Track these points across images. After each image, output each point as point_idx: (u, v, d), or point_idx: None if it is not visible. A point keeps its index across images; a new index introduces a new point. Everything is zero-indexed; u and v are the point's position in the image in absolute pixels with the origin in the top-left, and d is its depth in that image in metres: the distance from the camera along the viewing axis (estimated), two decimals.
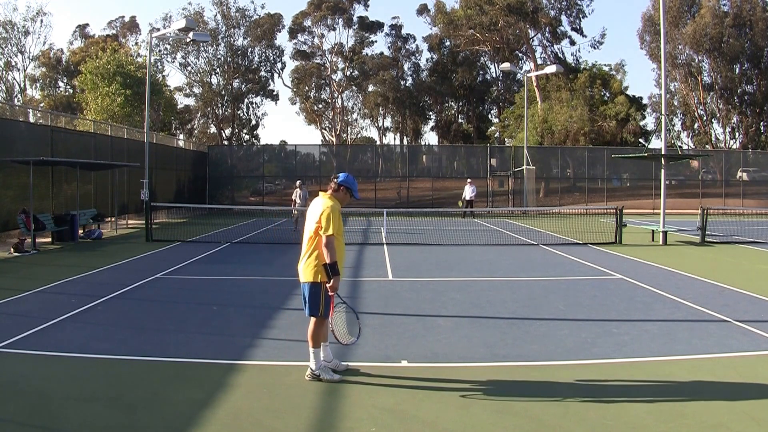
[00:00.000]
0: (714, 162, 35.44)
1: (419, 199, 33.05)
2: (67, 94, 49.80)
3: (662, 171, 17.21)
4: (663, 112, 17.49)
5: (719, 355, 5.93)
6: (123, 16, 55.57)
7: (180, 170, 28.83)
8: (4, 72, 47.72)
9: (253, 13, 47.86)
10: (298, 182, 20.34)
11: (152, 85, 23.48)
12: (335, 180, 5.34)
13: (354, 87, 52.57)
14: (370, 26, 52.09)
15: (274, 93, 51.79)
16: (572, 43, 44.05)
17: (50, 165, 15.87)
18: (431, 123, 56.47)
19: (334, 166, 33.19)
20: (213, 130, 49.87)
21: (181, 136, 47.83)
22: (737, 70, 41.80)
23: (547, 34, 43.40)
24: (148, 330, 6.96)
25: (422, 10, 53.01)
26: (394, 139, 60.41)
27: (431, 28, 52.08)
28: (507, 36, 43.36)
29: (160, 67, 44.03)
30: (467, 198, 26.68)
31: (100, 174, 19.47)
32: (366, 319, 5.51)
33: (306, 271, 5.17)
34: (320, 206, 5.16)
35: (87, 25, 63.77)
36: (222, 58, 47.09)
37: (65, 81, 51.88)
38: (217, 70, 47.28)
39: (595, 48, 50.35)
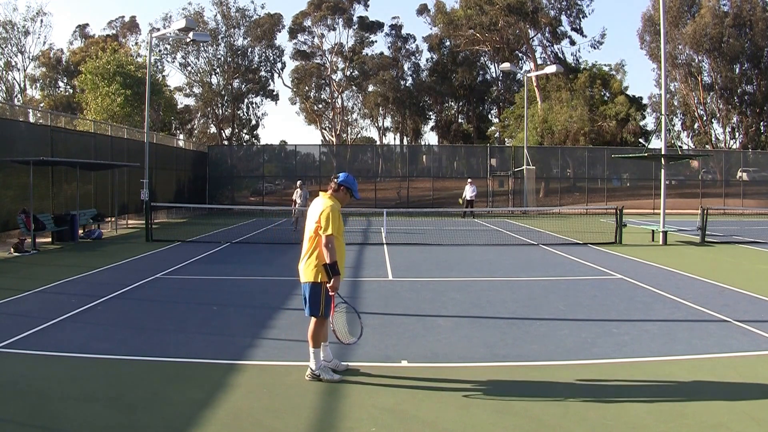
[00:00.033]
0: (714, 162, 35.44)
1: (419, 199, 33.05)
2: (67, 94, 49.80)
3: (662, 171, 17.21)
4: (663, 112, 17.49)
5: (719, 355, 5.93)
6: (123, 16, 55.65)
7: (180, 170, 28.83)
8: (4, 72, 47.75)
9: (253, 13, 47.95)
10: (298, 182, 20.35)
11: (152, 85, 23.49)
12: (335, 180, 5.34)
13: (354, 87, 52.58)
14: (370, 26, 52.09)
15: (274, 93, 51.89)
16: (572, 43, 44.13)
17: (50, 165, 15.87)
18: (431, 123, 56.58)
19: (334, 166, 33.18)
20: (213, 130, 49.89)
21: (181, 136, 47.87)
22: (737, 70, 41.80)
23: (547, 34, 43.43)
24: (148, 330, 6.96)
25: (422, 10, 53.09)
26: (394, 139, 60.50)
27: (431, 28, 52.17)
28: (507, 36, 43.37)
29: (160, 67, 44.05)
30: (467, 198, 26.69)
31: (100, 174, 19.47)
32: (366, 319, 5.51)
33: (306, 271, 5.17)
34: (320, 206, 5.16)
35: (87, 25, 63.83)
36: (222, 58, 47.12)
37: (65, 81, 51.88)
38: (217, 70, 47.30)
39: (595, 48, 50.42)
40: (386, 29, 52.89)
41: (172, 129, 45.79)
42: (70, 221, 16.04)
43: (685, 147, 42.63)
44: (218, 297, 8.82)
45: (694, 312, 7.86)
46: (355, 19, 51.21)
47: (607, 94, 40.68)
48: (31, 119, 22.86)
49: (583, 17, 43.17)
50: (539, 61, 43.26)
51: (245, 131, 51.27)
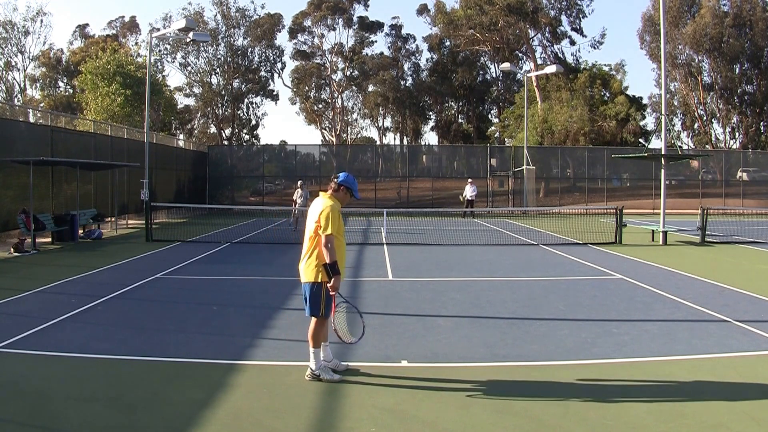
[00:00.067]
0: (714, 162, 35.44)
1: (419, 199, 33.05)
2: (67, 94, 49.80)
3: (662, 171, 17.21)
4: (663, 112, 17.49)
5: (719, 355, 5.93)
6: (123, 16, 55.65)
7: (180, 170, 28.83)
8: (4, 72, 47.75)
9: (253, 13, 47.94)
10: (299, 182, 20.35)
11: (152, 85, 23.49)
12: (335, 180, 5.34)
13: (354, 87, 52.59)
14: (370, 26, 52.09)
15: (274, 93, 51.90)
16: (572, 43, 44.13)
17: (50, 165, 15.87)
18: (431, 123, 56.58)
19: (334, 166, 33.18)
20: (213, 130, 49.89)
21: (181, 136, 47.87)
22: (737, 70, 41.80)
23: (547, 34, 43.44)
24: (148, 330, 6.96)
25: (422, 10, 53.09)
26: (394, 139, 60.50)
27: (431, 28, 52.17)
28: (507, 36, 43.37)
29: (160, 67, 44.05)
30: (468, 197, 26.70)
31: (100, 174, 19.47)
32: (366, 319, 5.51)
33: (307, 271, 5.17)
34: (320, 206, 5.17)
35: (87, 25, 63.82)
36: (222, 58, 47.11)
37: (65, 81, 51.89)
38: (217, 70, 47.30)
39: (595, 48, 50.41)
40: (386, 29, 52.98)
41: (172, 129, 45.80)
42: (70, 221, 16.04)
43: (685, 147, 42.66)
44: (218, 297, 8.82)
45: (694, 312, 7.86)
46: (355, 19, 51.25)
47: (607, 94, 40.68)
48: (31, 119, 22.87)
49: (583, 17, 43.24)
50: (539, 61, 43.28)
51: (245, 131, 51.28)
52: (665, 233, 16.15)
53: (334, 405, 4.65)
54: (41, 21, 49.24)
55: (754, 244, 16.20)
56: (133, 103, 29.04)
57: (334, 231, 5.01)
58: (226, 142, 47.06)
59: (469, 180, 27.63)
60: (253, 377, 5.22)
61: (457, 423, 4.29)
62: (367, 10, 54.33)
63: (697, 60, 42.09)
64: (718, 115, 43.52)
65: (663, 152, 17.56)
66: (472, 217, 26.79)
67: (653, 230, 16.88)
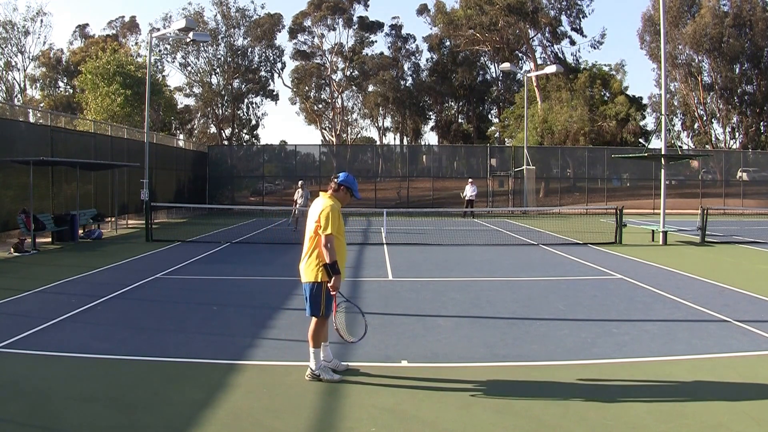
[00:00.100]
0: (714, 162, 35.44)
1: (419, 199, 33.05)
2: (67, 94, 49.81)
3: (662, 171, 17.21)
4: (663, 112, 17.49)
5: (719, 355, 5.93)
6: (123, 16, 55.66)
7: (180, 170, 28.83)
8: (4, 72, 47.75)
9: (253, 13, 47.94)
10: (300, 182, 20.35)
11: (152, 85, 23.49)
12: (335, 180, 5.34)
13: (354, 87, 52.60)
14: (370, 26, 52.10)
15: (274, 93, 51.90)
16: (572, 43, 44.14)
17: (50, 165, 15.87)
18: (431, 123, 56.59)
19: (334, 166, 33.19)
20: (213, 130, 49.89)
21: (181, 136, 47.86)
22: (737, 70, 41.81)
23: (547, 34, 43.43)
24: (148, 330, 6.96)
25: (422, 10, 53.09)
26: (394, 139, 60.52)
27: (431, 28, 52.17)
28: (507, 36, 43.37)
29: (160, 67, 44.06)
30: (468, 197, 26.71)
31: (100, 174, 19.47)
32: (367, 319, 5.51)
33: (307, 271, 5.17)
34: (320, 206, 5.17)
35: (87, 25, 63.88)
36: (222, 58, 47.11)
37: (65, 81, 51.89)
38: (217, 70, 47.30)
39: (595, 48, 50.43)
40: (386, 29, 52.99)
41: (172, 129, 45.79)
42: (70, 221, 16.04)
43: (685, 147, 42.67)
44: (218, 297, 8.82)
45: (694, 312, 7.86)
46: (355, 19, 51.26)
47: (607, 94, 40.68)
48: (31, 119, 22.85)
49: (583, 17, 43.24)
50: (539, 61, 43.28)
51: (245, 131, 51.29)
52: (665, 233, 16.15)
53: (334, 405, 4.65)
54: (41, 21, 49.33)
55: (754, 244, 16.20)
56: (133, 103, 29.04)
57: (334, 231, 5.01)
58: (226, 142, 47.06)
59: (470, 180, 27.64)
60: (253, 377, 5.22)
61: (458, 423, 4.29)
62: (367, 10, 54.44)
63: (697, 60, 42.12)
64: (718, 115, 43.53)
65: (663, 152, 17.56)
66: (472, 217, 26.79)
67: (653, 230, 16.88)
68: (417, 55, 53.86)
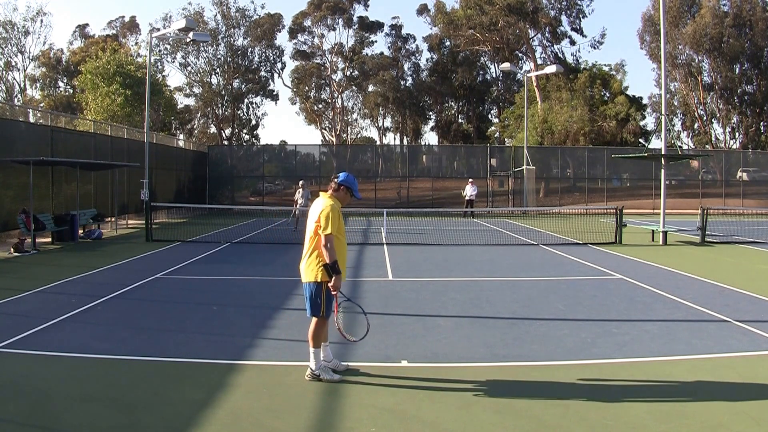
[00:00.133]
0: (714, 162, 35.44)
1: (419, 199, 33.06)
2: (67, 94, 49.81)
3: (662, 171, 17.21)
4: (663, 112, 17.49)
5: (719, 355, 5.93)
6: (123, 16, 55.67)
7: (180, 170, 28.83)
8: (4, 72, 47.74)
9: (253, 13, 47.94)
10: (300, 182, 20.34)
11: (152, 85, 23.49)
12: (335, 180, 5.34)
13: (354, 87, 52.60)
14: (370, 26, 52.10)
15: (274, 93, 51.91)
16: (572, 43, 44.15)
17: (50, 165, 15.87)
18: (431, 123, 56.60)
19: (334, 166, 33.19)
20: (213, 130, 49.90)
21: (181, 136, 47.85)
22: (737, 70, 41.80)
23: (547, 34, 43.44)
24: (148, 330, 6.96)
25: (422, 10, 53.10)
26: (394, 139, 60.53)
27: (431, 28, 52.19)
28: (507, 36, 43.37)
29: (160, 67, 44.04)
30: (468, 197, 26.71)
31: (100, 174, 19.47)
32: (368, 318, 5.52)
33: (307, 271, 5.17)
34: (320, 206, 5.17)
35: (87, 25, 63.87)
36: (222, 58, 47.11)
37: (65, 81, 51.89)
38: (217, 70, 47.29)
39: (595, 48, 50.48)
40: (386, 29, 53.00)
41: (172, 129, 45.79)
42: (70, 221, 16.04)
43: (685, 147, 42.67)
44: (218, 297, 8.82)
45: (694, 312, 7.86)
46: (355, 19, 51.26)
47: (607, 94, 40.68)
48: (31, 119, 22.82)
49: (583, 17, 43.26)
50: (539, 61, 43.28)
51: (245, 131, 51.29)
52: (665, 233, 16.15)
53: (334, 405, 4.65)
54: (41, 21, 49.34)
55: (754, 244, 16.20)
56: (133, 103, 29.04)
57: (333, 230, 5.01)
58: (226, 142, 47.06)
59: (470, 180, 27.65)
60: (253, 377, 5.22)
61: (458, 423, 4.29)
62: (367, 10, 54.47)
63: (697, 60, 42.11)
64: (718, 115, 43.52)
65: (663, 152, 17.56)
66: (472, 217, 26.79)
67: (653, 230, 16.88)
68: (417, 55, 53.96)
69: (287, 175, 34.51)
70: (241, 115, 50.25)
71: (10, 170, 14.82)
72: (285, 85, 54.77)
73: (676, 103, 43.77)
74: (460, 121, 55.71)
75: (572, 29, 43.54)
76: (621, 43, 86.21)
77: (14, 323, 7.01)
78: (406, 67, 53.40)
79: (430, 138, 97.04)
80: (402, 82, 52.30)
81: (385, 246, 15.24)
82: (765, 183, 34.42)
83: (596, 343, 6.36)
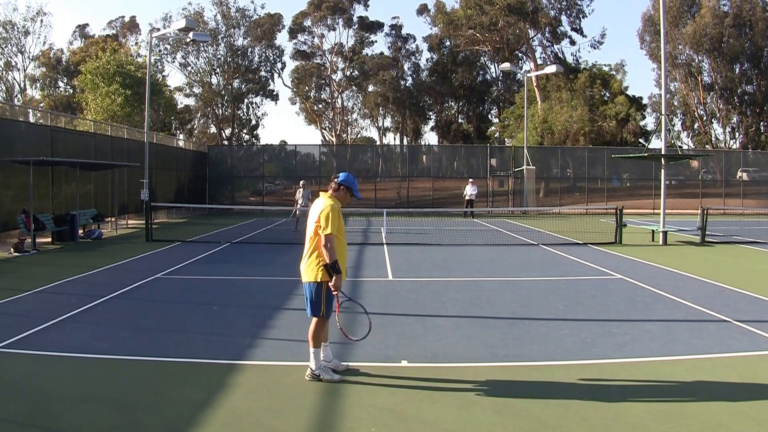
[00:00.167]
0: (714, 162, 35.44)
1: (419, 199, 33.06)
2: (67, 94, 49.81)
3: (662, 171, 17.21)
4: (663, 112, 17.49)
5: (719, 355, 5.93)
6: (123, 16, 55.67)
7: (180, 170, 28.83)
8: (4, 72, 47.74)
9: (253, 13, 47.94)
10: (301, 182, 20.34)
11: (152, 85, 23.48)
12: (335, 180, 5.34)
13: (354, 87, 52.60)
14: (370, 26, 52.10)
15: (274, 93, 51.90)
16: (572, 43, 44.15)
17: (50, 165, 15.87)
18: (431, 123, 56.61)
19: (334, 166, 33.19)
20: (213, 130, 49.89)
21: (181, 136, 47.85)
22: (737, 70, 41.80)
23: (547, 34, 43.44)
24: (148, 330, 6.96)
25: (422, 10, 53.11)
26: (394, 139, 60.54)
27: (431, 28, 52.19)
28: (507, 36, 43.37)
29: (160, 67, 44.04)
30: (468, 197, 26.71)
31: (100, 174, 19.47)
32: (370, 318, 5.52)
33: (307, 271, 5.17)
34: (320, 206, 5.17)
35: (87, 25, 63.89)
36: (222, 58, 47.11)
37: (65, 81, 51.89)
38: (217, 70, 47.29)
39: (595, 48, 50.48)
40: (386, 29, 53.01)
41: (172, 129, 45.79)
42: (70, 221, 16.04)
43: (685, 147, 42.67)
44: (218, 297, 8.82)
45: (694, 312, 7.86)
46: (355, 19, 51.26)
47: (607, 94, 40.68)
48: (31, 119, 22.82)
49: (583, 17, 43.26)
50: (539, 61, 43.28)
51: (245, 131, 51.29)
52: (665, 233, 16.15)
53: (334, 405, 4.65)
54: (41, 21, 49.38)
55: (754, 244, 16.20)
56: (133, 103, 29.03)
57: (333, 230, 5.01)
58: (226, 142, 47.06)
59: (470, 180, 27.66)
60: (253, 377, 5.22)
61: (458, 423, 4.29)
62: (367, 10, 54.47)
63: (697, 60, 42.11)
64: (718, 115, 43.52)
65: (663, 152, 17.56)
66: (472, 217, 26.79)
67: (653, 230, 16.88)
68: (417, 55, 53.97)
69: (287, 175, 34.50)
70: (241, 115, 50.27)
71: (10, 170, 14.83)
72: (285, 85, 54.88)
73: (676, 103, 43.77)
74: (460, 121, 55.71)
75: (572, 29, 43.61)
76: (621, 43, 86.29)
77: (14, 323, 7.01)
78: (406, 67, 53.48)
79: (430, 138, 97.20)
80: (402, 82, 52.32)
81: (385, 246, 15.25)
82: (765, 183, 34.42)
83: (596, 343, 6.36)
